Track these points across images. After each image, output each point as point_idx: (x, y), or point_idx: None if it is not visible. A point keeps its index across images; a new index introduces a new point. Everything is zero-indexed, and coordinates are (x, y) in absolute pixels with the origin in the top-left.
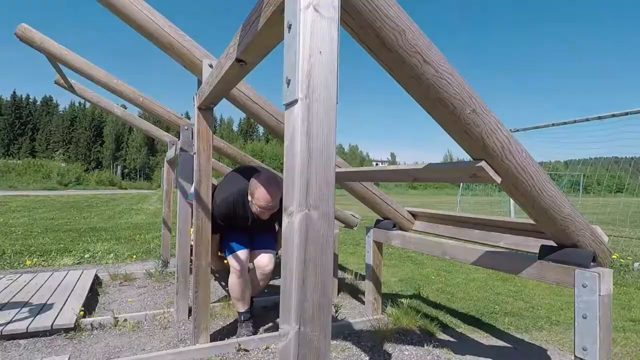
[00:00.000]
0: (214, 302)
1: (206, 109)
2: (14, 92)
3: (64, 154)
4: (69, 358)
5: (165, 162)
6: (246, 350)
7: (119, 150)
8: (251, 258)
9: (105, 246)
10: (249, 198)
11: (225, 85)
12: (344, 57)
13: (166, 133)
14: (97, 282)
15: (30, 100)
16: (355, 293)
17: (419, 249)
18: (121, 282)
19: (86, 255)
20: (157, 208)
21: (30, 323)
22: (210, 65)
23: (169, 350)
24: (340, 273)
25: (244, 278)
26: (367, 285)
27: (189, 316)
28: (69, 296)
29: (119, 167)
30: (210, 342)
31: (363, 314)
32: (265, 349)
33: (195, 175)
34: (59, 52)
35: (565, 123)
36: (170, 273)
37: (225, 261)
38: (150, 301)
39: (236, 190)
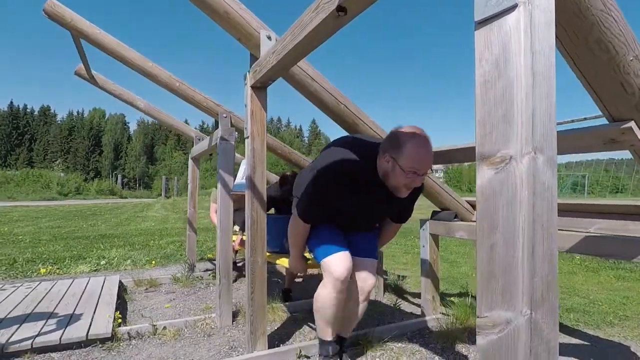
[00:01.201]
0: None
1: (261, 87)
2: (11, 102)
3: (62, 164)
4: None
5: (190, 159)
6: (307, 357)
7: (118, 160)
8: None
9: (120, 252)
10: (385, 164)
11: (303, 50)
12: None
13: (192, 128)
14: (121, 288)
15: (27, 110)
16: (401, 293)
17: None
18: (147, 288)
19: (102, 262)
20: (164, 215)
21: (63, 334)
22: (269, 37)
23: (226, 359)
24: None
25: (344, 294)
26: (423, 283)
27: (232, 321)
28: (97, 304)
29: (119, 176)
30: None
31: (419, 314)
32: None
33: (248, 161)
34: (91, 31)
35: (559, 123)
36: (198, 277)
37: (309, 261)
38: (182, 307)
39: (360, 156)
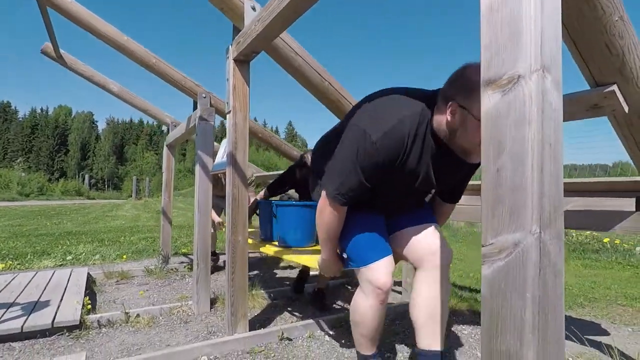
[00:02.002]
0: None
1: (244, 60)
2: None
3: (23, 163)
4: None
5: (165, 147)
6: (289, 339)
7: (85, 160)
8: (400, 242)
9: (88, 248)
10: (450, 118)
11: (291, 14)
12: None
13: (167, 114)
14: (90, 280)
15: None
16: None
17: (475, 219)
18: (118, 281)
19: (68, 257)
20: (135, 214)
21: (25, 322)
22: (253, 8)
23: (205, 341)
24: None
25: (385, 305)
26: (404, 267)
27: (210, 308)
28: (64, 293)
29: (86, 177)
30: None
31: (400, 299)
32: (309, 336)
33: (229, 137)
34: (61, 1)
35: None
36: (172, 269)
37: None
38: (157, 297)
39: (410, 112)
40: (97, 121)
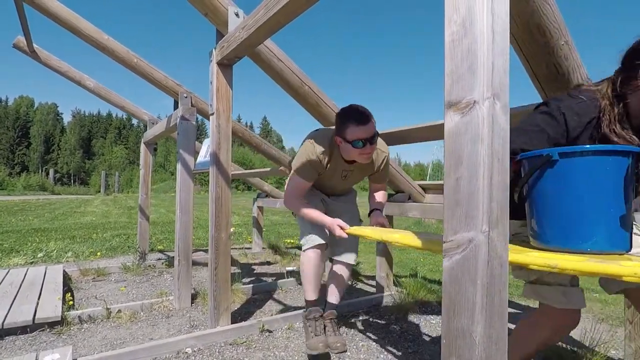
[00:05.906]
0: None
1: (227, 64)
2: None
3: None
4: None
5: (142, 144)
6: (270, 331)
7: (49, 153)
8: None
9: (59, 245)
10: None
11: (276, 24)
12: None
13: (145, 111)
14: (66, 277)
15: None
16: (355, 275)
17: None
18: (94, 278)
19: (39, 255)
20: (104, 210)
21: (5, 318)
22: (237, 14)
23: (189, 334)
24: None
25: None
26: (378, 261)
27: (191, 303)
28: (41, 291)
29: (51, 171)
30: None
31: (374, 292)
32: (288, 328)
33: (213, 138)
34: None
35: None
36: (150, 266)
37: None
38: (136, 294)
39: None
40: (62, 113)
